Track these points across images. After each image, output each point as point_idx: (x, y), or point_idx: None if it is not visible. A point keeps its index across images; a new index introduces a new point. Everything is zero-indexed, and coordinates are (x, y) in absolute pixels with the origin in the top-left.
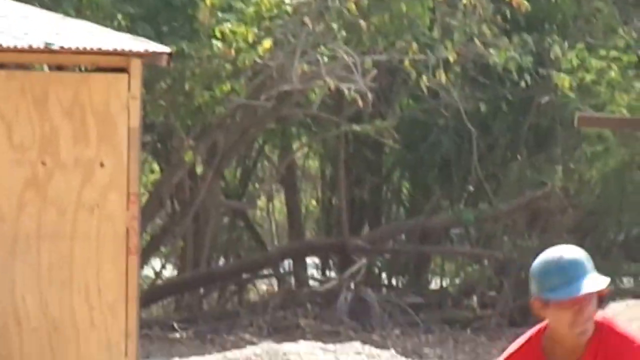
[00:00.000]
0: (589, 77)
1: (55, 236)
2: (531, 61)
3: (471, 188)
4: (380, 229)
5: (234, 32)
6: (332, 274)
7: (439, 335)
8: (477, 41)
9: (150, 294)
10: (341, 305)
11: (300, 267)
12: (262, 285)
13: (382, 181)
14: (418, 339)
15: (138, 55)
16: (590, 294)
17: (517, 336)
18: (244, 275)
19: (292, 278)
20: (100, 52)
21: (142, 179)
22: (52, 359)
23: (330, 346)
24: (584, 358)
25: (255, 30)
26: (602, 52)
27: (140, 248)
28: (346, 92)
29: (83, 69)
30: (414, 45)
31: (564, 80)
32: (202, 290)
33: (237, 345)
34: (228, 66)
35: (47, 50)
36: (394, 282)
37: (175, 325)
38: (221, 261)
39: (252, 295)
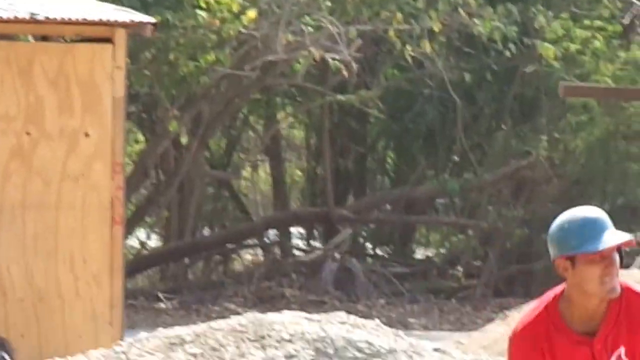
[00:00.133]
0: (573, 47)
1: (41, 206)
2: (516, 31)
3: (456, 158)
4: (365, 198)
5: (218, 2)
6: (317, 244)
7: (424, 305)
8: (461, 11)
9: (135, 264)
10: (326, 275)
11: (285, 237)
12: (247, 256)
13: (366, 151)
14: (403, 308)
15: (123, 25)
16: (616, 248)
17: (502, 306)
18: (229, 246)
19: (277, 248)
20: (85, 23)
21: (126, 149)
22: (37, 329)
23: (315, 316)
24: (605, 321)
25: (240, 0)
26: (587, 22)
27: (125, 218)
28: (331, 62)
29: (68, 39)
30: (399, 15)
31: (548, 50)
32: (187, 261)
33: (222, 315)
34: (213, 36)
35: (32, 20)
36: (378, 252)
37: (160, 295)
38: (206, 231)
39: (237, 266)
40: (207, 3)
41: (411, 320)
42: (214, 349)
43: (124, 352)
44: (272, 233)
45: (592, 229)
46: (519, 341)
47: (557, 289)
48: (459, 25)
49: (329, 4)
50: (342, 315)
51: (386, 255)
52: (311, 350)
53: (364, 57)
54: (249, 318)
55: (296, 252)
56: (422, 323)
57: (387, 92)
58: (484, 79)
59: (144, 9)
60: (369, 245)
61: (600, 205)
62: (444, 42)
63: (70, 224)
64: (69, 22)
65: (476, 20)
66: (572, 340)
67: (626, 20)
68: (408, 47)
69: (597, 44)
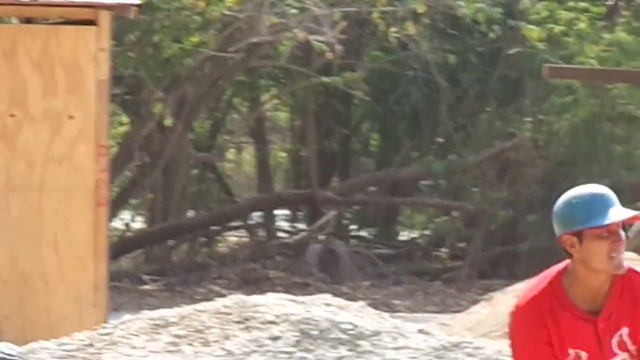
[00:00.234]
0: (557, 29)
1: (25, 188)
2: (500, 12)
3: (440, 139)
4: (349, 180)
5: None
6: (302, 226)
7: (408, 286)
8: None
9: (120, 246)
10: (310, 257)
11: (269, 219)
12: (232, 237)
13: (351, 133)
14: (387, 290)
15: (107, 7)
16: (622, 225)
17: (486, 287)
18: (213, 228)
19: (262, 230)
20: (69, 5)
21: (111, 131)
22: (21, 311)
23: (300, 298)
24: (609, 300)
25: None
26: (571, 4)
27: (109, 200)
28: (315, 44)
29: (52, 21)
30: None
31: (532, 32)
32: (171, 243)
33: (207, 297)
34: (197, 18)
35: (16, 2)
36: (363, 233)
37: (145, 277)
38: (190, 213)
39: (222, 248)
40: None
41: (395, 302)
42: (198, 331)
43: (108, 334)
44: (256, 215)
45: (599, 204)
46: (523, 316)
47: (560, 266)
48: (443, 7)
49: None
50: (326, 297)
51: (370, 237)
52: (296, 332)
53: (348, 39)
54: (234, 300)
55: (280, 234)
56: (407, 305)
57: (371, 74)
58: (468, 60)
59: None
60: (353, 227)
61: None
62: (428, 24)
63: (55, 206)
64: (53, 4)
65: (460, 2)
66: (576, 317)
67: (610, 2)
68: (392, 29)
69: (582, 25)
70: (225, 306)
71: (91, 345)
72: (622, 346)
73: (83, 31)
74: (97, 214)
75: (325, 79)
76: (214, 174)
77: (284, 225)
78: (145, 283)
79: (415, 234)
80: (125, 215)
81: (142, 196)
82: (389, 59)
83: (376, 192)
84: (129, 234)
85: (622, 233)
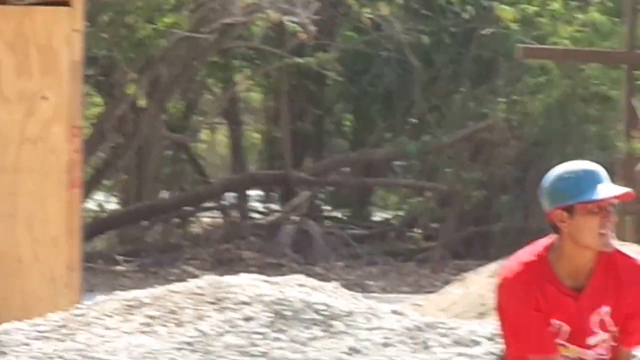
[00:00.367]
0: (531, 9)
1: None
2: None
3: (414, 120)
4: (323, 161)
5: None
6: (275, 207)
7: (382, 267)
8: None
9: (94, 227)
10: (284, 237)
11: (243, 199)
12: (205, 218)
13: (324, 114)
14: (361, 271)
15: None
16: (616, 199)
17: (460, 268)
18: (187, 208)
19: (235, 211)
20: None
21: (84, 113)
22: None
23: (273, 278)
24: (593, 278)
25: None
26: None
27: (83, 181)
28: (288, 24)
29: (26, 2)
30: None
31: (506, 12)
32: (145, 223)
33: (180, 278)
34: None
35: None
36: (336, 214)
37: (119, 258)
38: (164, 194)
39: (195, 228)
40: None
41: (369, 282)
42: (172, 312)
43: (82, 315)
44: (230, 196)
45: (591, 179)
46: (510, 286)
47: (545, 241)
48: None
49: None
50: (300, 277)
51: (344, 218)
52: (269, 312)
53: (321, 20)
54: (207, 281)
55: (254, 215)
56: (380, 285)
57: (344, 54)
58: (441, 41)
59: None
60: (326, 207)
61: None
62: (401, 4)
63: (29, 187)
64: None
65: None
66: (561, 291)
67: None
68: (365, 10)
69: (555, 5)
70: (199, 287)
71: (65, 326)
72: (602, 325)
73: (57, 12)
74: (71, 195)
75: (298, 60)
76: (187, 154)
77: (258, 206)
78: (118, 264)
79: (388, 214)
80: (99, 196)
81: (116, 177)
82: (362, 39)
83: (350, 172)
84: (102, 214)
85: (614, 210)
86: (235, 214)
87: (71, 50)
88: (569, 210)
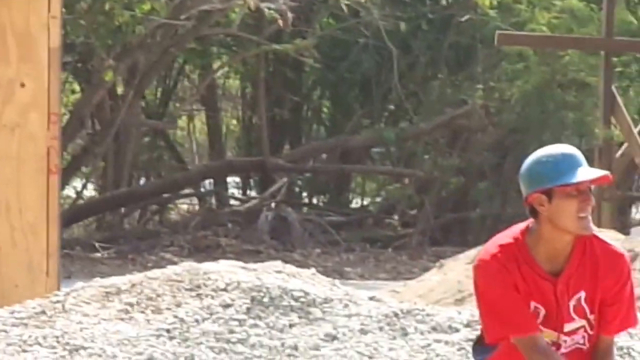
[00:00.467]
0: None
1: None
2: None
3: (392, 107)
4: (300, 148)
5: None
6: (253, 193)
7: (360, 254)
8: None
9: (72, 214)
10: (262, 224)
11: (221, 186)
12: (183, 205)
13: (302, 100)
14: (339, 257)
15: None
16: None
17: (438, 254)
18: (165, 195)
19: (213, 197)
20: None
21: (62, 99)
22: None
23: (251, 265)
24: (570, 263)
25: None
26: None
27: (61, 168)
28: (266, 11)
29: None
30: None
31: None
32: (123, 210)
33: (158, 265)
34: None
35: None
36: (314, 201)
37: (97, 245)
38: (142, 181)
39: (173, 215)
40: None
41: (347, 269)
42: (149, 298)
43: (60, 302)
44: (208, 182)
45: (570, 162)
46: (487, 267)
47: (522, 225)
48: None
49: None
50: (278, 264)
51: (322, 205)
52: (247, 299)
53: (299, 6)
54: (185, 267)
55: (232, 202)
56: (358, 272)
57: (322, 41)
58: (419, 27)
59: None
60: (304, 194)
61: None
62: None
63: (7, 174)
64: None
65: None
66: (539, 275)
67: None
68: None
69: None
70: (177, 274)
71: (43, 312)
72: (580, 312)
73: None
74: (49, 182)
75: (276, 46)
76: (165, 141)
77: (236, 192)
78: (97, 251)
79: (366, 201)
80: (77, 183)
81: (94, 164)
82: (340, 26)
83: (327, 159)
84: (80, 201)
85: (592, 195)
86: (213, 200)
87: (49, 37)
88: (548, 193)
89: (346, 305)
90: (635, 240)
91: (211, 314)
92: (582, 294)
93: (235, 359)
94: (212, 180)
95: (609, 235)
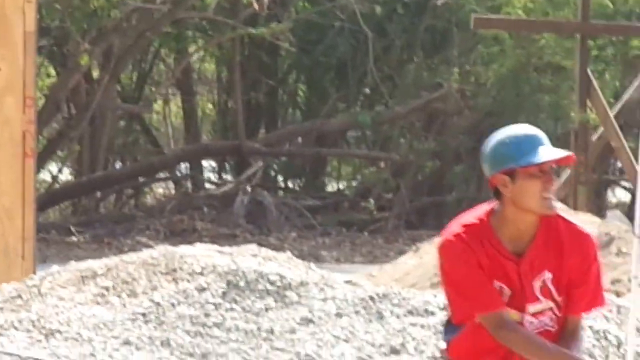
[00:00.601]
0: None
1: None
2: None
3: (367, 90)
4: (276, 132)
5: None
6: (229, 177)
7: (336, 237)
8: None
9: (48, 198)
10: (238, 208)
11: (196, 170)
12: (159, 189)
13: (278, 84)
14: (315, 241)
15: None
16: (556, 162)
17: (413, 238)
18: (141, 179)
19: (189, 181)
20: None
21: (38, 83)
22: None
23: (227, 249)
24: (533, 243)
25: None
26: None
27: (36, 152)
28: None
29: None
30: None
31: None
32: (98, 194)
33: (134, 249)
34: None
35: None
36: (290, 184)
37: (72, 228)
38: (118, 165)
39: (149, 199)
40: None
41: (323, 252)
42: (125, 282)
43: (36, 286)
44: (183, 166)
45: (532, 143)
46: (451, 245)
47: (486, 206)
48: None
49: None
50: (253, 248)
51: (298, 188)
52: (223, 283)
53: None
54: (161, 251)
55: (208, 185)
56: (334, 256)
57: (298, 25)
58: (394, 11)
59: None
60: (280, 178)
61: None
62: None
63: None
64: None
65: None
66: (503, 255)
67: None
68: None
69: None
70: (153, 257)
71: (19, 297)
72: (546, 292)
73: None
74: (24, 166)
75: (251, 30)
76: (140, 125)
77: (211, 176)
78: (72, 234)
79: (342, 185)
80: (53, 167)
81: (69, 148)
82: (315, 9)
83: (303, 143)
84: (56, 185)
85: (555, 175)
86: (189, 184)
87: (25, 21)
88: (511, 174)
89: (322, 289)
90: (611, 224)
91: (187, 298)
92: (548, 275)
93: (211, 342)
94: (187, 164)
95: (585, 219)
